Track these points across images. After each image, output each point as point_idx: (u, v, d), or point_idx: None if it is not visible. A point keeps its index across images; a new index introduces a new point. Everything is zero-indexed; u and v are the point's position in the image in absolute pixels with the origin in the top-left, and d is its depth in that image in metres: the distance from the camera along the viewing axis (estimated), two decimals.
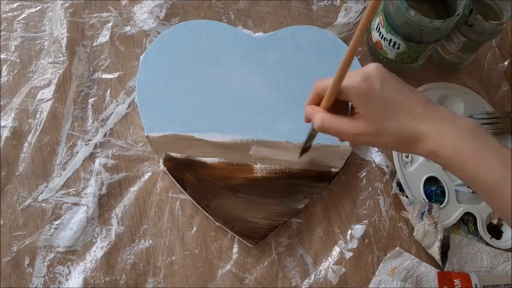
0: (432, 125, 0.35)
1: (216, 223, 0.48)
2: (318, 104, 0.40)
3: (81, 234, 0.46)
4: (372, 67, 0.37)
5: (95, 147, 0.50)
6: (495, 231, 0.51)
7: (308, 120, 0.42)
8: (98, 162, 0.49)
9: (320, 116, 0.39)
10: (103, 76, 0.54)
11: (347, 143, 0.51)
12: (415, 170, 0.51)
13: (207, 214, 0.48)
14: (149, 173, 0.50)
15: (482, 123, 0.53)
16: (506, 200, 0.33)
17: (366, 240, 0.49)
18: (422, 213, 0.48)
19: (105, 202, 0.48)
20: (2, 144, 0.49)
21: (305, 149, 0.47)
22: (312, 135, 0.45)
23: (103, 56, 0.55)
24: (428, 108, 0.36)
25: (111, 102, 0.52)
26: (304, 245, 0.48)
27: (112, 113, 0.52)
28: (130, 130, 0.51)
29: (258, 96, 0.53)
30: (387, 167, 0.52)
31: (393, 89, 0.36)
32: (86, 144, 0.50)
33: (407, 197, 0.50)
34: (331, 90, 0.37)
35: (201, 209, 0.48)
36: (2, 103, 0.51)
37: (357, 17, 0.59)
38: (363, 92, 0.36)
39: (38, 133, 0.50)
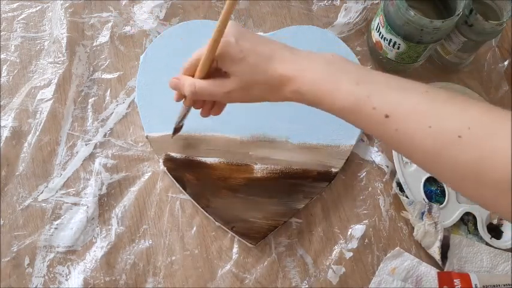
0: (292, 66, 0.36)
1: (216, 223, 0.48)
2: (191, 75, 0.40)
3: (81, 234, 0.46)
4: (228, 26, 0.37)
5: (95, 147, 0.50)
6: (495, 231, 0.51)
7: (179, 97, 0.43)
8: (98, 162, 0.49)
9: (190, 81, 0.39)
10: (103, 76, 0.54)
11: (347, 143, 0.51)
12: (415, 170, 0.51)
13: (207, 214, 0.48)
14: (149, 173, 0.50)
15: None
16: (367, 119, 0.33)
17: (366, 240, 0.49)
18: (422, 213, 0.48)
19: (105, 202, 0.48)
20: (2, 144, 0.49)
21: (177, 128, 0.47)
22: (184, 113, 0.45)
23: (103, 56, 0.55)
24: (287, 50, 0.37)
25: (111, 102, 0.52)
26: (304, 245, 0.48)
27: (112, 113, 0.52)
28: (130, 130, 0.51)
29: None
30: (387, 167, 0.52)
31: (249, 40, 0.37)
32: (86, 144, 0.50)
33: (407, 197, 0.50)
34: (205, 59, 0.38)
35: (201, 209, 0.48)
36: (2, 103, 0.51)
37: (357, 17, 0.59)
38: (221, 50, 0.37)
39: (38, 133, 0.50)
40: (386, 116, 0.32)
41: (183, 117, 0.45)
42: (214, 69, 0.39)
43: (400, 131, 0.32)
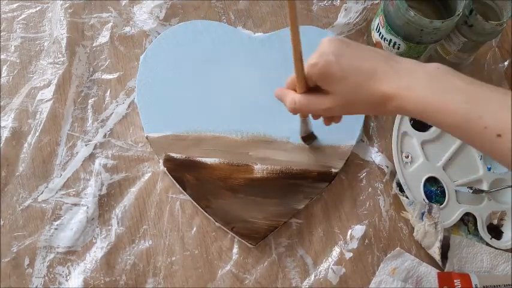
0: (395, 84, 0.35)
1: (216, 223, 0.48)
2: (294, 89, 0.41)
3: (81, 235, 0.46)
4: (325, 42, 0.37)
5: (95, 147, 0.50)
6: (495, 232, 0.51)
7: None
8: (98, 162, 0.49)
9: (291, 98, 0.40)
10: (103, 76, 0.54)
11: (347, 143, 0.51)
12: (415, 170, 0.51)
13: (207, 214, 0.48)
14: (149, 174, 0.50)
15: None
16: (477, 138, 0.32)
17: (366, 241, 0.49)
18: (423, 214, 0.48)
19: (105, 202, 0.48)
20: (2, 144, 0.49)
21: (306, 137, 0.49)
22: (303, 122, 0.46)
23: (103, 56, 0.54)
24: (388, 64, 0.36)
25: (111, 103, 0.52)
26: (304, 246, 0.48)
27: (112, 113, 0.52)
28: (130, 130, 0.51)
29: (258, 97, 0.53)
30: (387, 167, 0.52)
31: (349, 57, 0.36)
32: (86, 145, 0.50)
33: (407, 197, 0.50)
34: (297, 78, 0.38)
35: (201, 209, 0.48)
36: (2, 103, 0.51)
37: (357, 17, 0.59)
38: (321, 70, 0.36)
39: (37, 133, 0.50)
40: (499, 136, 0.31)
41: (305, 126, 0.47)
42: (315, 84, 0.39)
43: None
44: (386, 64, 0.36)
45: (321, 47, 0.37)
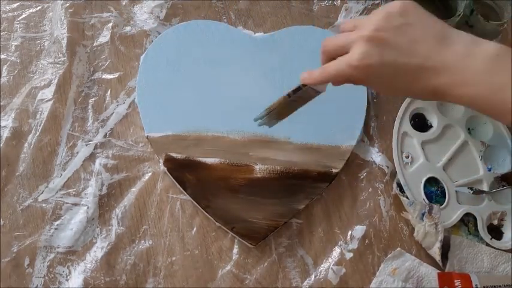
0: (445, 78, 0.32)
1: (216, 223, 0.48)
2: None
3: (81, 235, 0.46)
4: (374, 19, 0.35)
5: (95, 147, 0.50)
6: (495, 232, 0.51)
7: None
8: (98, 162, 0.49)
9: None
10: (103, 76, 0.54)
11: (348, 143, 0.51)
12: (416, 171, 0.51)
13: (207, 214, 0.48)
14: (149, 174, 0.50)
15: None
16: None
17: (366, 241, 0.49)
18: (423, 214, 0.48)
19: (105, 202, 0.48)
20: (2, 144, 0.49)
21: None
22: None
23: (103, 56, 0.54)
24: (439, 53, 0.33)
25: (112, 103, 0.52)
26: (305, 246, 0.48)
27: (112, 113, 0.52)
28: (131, 130, 0.51)
29: (258, 97, 0.53)
30: (387, 167, 0.52)
31: (394, 54, 0.34)
32: (86, 145, 0.50)
33: (407, 197, 0.50)
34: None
35: (201, 209, 0.48)
36: (2, 103, 0.51)
37: (358, 17, 0.59)
38: (360, 75, 0.35)
39: (38, 133, 0.50)
40: None
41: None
42: None
43: None
44: (436, 53, 0.32)
45: (367, 27, 0.34)
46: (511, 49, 0.31)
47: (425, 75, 0.33)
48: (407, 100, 0.54)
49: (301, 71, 0.55)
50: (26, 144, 0.49)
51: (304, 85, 0.41)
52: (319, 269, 0.47)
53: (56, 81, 0.52)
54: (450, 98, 0.33)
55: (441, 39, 0.33)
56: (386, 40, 0.34)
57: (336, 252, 0.48)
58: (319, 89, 0.41)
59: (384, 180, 0.52)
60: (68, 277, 0.45)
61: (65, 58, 0.53)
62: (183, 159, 0.49)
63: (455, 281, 0.44)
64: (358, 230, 0.49)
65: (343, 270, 0.47)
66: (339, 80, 0.38)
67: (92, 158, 0.50)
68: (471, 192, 0.51)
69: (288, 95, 0.42)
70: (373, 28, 0.34)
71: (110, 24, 0.56)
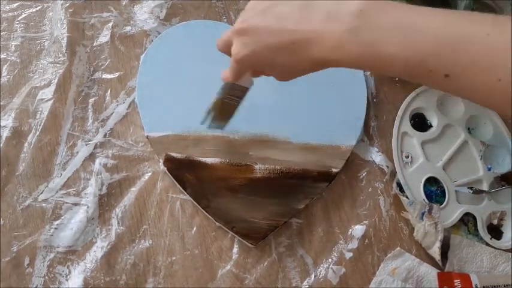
0: (321, 48, 0.32)
1: (216, 223, 0.48)
2: None
3: (81, 234, 0.46)
4: (237, 26, 0.36)
5: (95, 147, 0.50)
6: (495, 232, 0.51)
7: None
8: (98, 162, 0.49)
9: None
10: (103, 76, 0.54)
11: (347, 143, 0.51)
12: (415, 171, 0.51)
13: (207, 214, 0.48)
14: (149, 173, 0.50)
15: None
16: (423, 80, 0.31)
17: (366, 241, 0.49)
18: (423, 214, 0.48)
19: (105, 202, 0.48)
20: (2, 144, 0.49)
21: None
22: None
23: (103, 56, 0.55)
24: (306, 23, 0.33)
25: (112, 102, 0.52)
26: (304, 245, 0.48)
27: (112, 113, 0.52)
28: (131, 130, 0.51)
29: (258, 96, 0.53)
30: (387, 167, 0.52)
31: (265, 42, 0.35)
32: (86, 144, 0.50)
33: (407, 197, 0.50)
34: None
35: (201, 209, 0.48)
36: (2, 103, 0.51)
37: None
38: (246, 65, 0.38)
39: (38, 133, 0.50)
40: (446, 76, 0.29)
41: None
42: None
43: (465, 87, 0.29)
44: (302, 24, 0.33)
45: (235, 34, 0.36)
46: (378, 2, 0.31)
47: (300, 48, 0.33)
48: (408, 100, 0.54)
49: None
50: (26, 144, 0.49)
51: (226, 84, 0.43)
52: (319, 269, 0.47)
53: (56, 81, 0.52)
54: (331, 64, 0.33)
55: (304, 9, 0.33)
56: (254, 27, 0.35)
57: (336, 252, 0.48)
58: (244, 84, 0.43)
59: (384, 180, 0.52)
60: (68, 277, 0.45)
61: (65, 58, 0.53)
62: (183, 159, 0.49)
63: (455, 280, 0.44)
64: (358, 230, 0.49)
65: (343, 269, 0.47)
66: (239, 73, 0.40)
67: (91, 157, 0.50)
68: (471, 192, 0.51)
69: (220, 95, 0.44)
70: (240, 20, 0.36)
71: (110, 24, 0.56)
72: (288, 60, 0.35)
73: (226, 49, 0.39)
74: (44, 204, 0.47)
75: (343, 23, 0.31)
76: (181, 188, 0.48)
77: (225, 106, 0.46)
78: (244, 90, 0.44)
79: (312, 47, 0.33)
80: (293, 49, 0.34)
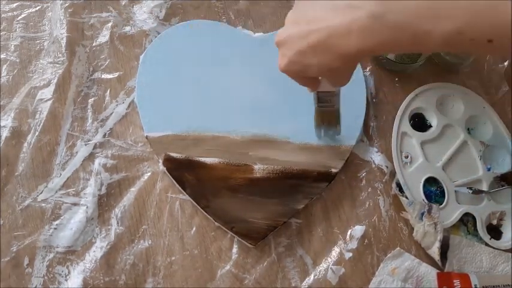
0: (352, 42, 0.33)
1: (216, 223, 0.48)
2: None
3: (81, 235, 0.46)
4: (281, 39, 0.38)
5: (95, 147, 0.50)
6: (495, 232, 0.51)
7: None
8: (98, 162, 0.49)
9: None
10: (103, 76, 0.54)
11: (347, 143, 0.51)
12: (415, 171, 0.51)
13: (206, 214, 0.48)
14: (149, 173, 0.50)
15: None
16: (468, 49, 0.32)
17: (366, 241, 0.49)
18: (422, 214, 0.48)
19: (104, 202, 0.48)
20: (1, 144, 0.49)
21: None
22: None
23: (103, 56, 0.54)
24: (334, 21, 0.34)
25: (111, 102, 0.52)
26: (304, 246, 0.48)
27: (112, 113, 0.52)
28: (130, 130, 0.51)
29: (258, 97, 0.53)
30: (387, 167, 0.52)
31: (300, 48, 0.36)
32: (86, 144, 0.50)
33: (406, 197, 0.50)
34: None
35: (200, 209, 0.48)
36: (1, 103, 0.51)
37: None
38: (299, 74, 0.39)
39: (37, 133, 0.50)
40: (490, 41, 0.29)
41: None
42: None
43: (508, 46, 0.29)
44: (328, 21, 0.34)
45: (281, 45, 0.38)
46: None
47: (329, 45, 0.34)
48: (407, 100, 0.54)
49: None
50: (25, 144, 0.49)
51: (314, 94, 0.45)
52: (319, 269, 0.47)
53: (55, 81, 0.52)
54: (366, 53, 0.34)
55: (329, 8, 0.34)
56: (287, 37, 0.37)
57: (335, 252, 0.48)
58: (327, 89, 0.44)
59: (384, 180, 0.52)
60: (67, 277, 0.45)
61: (65, 58, 0.53)
62: (183, 159, 0.49)
63: (455, 280, 0.44)
64: (358, 230, 0.49)
65: (343, 270, 0.47)
66: (302, 82, 0.41)
67: (91, 157, 0.50)
68: (470, 192, 0.51)
69: (315, 108, 0.47)
70: (278, 33, 0.38)
71: (110, 24, 0.56)
72: (322, 60, 0.35)
73: None
74: (43, 204, 0.47)
75: (366, 10, 0.31)
76: (180, 188, 0.48)
77: (326, 113, 0.48)
78: (330, 95, 0.45)
79: (341, 41, 0.33)
80: (323, 48, 0.34)
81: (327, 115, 0.48)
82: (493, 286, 0.45)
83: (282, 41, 0.37)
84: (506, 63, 0.60)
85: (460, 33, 0.29)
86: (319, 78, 0.42)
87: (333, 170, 0.50)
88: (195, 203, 0.48)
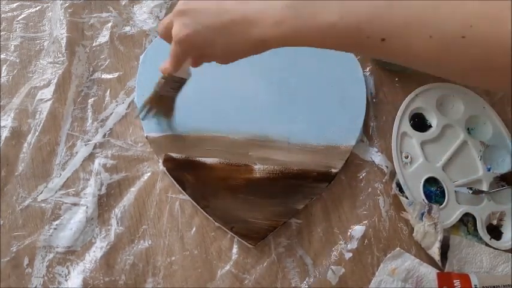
0: (260, 29, 0.33)
1: (216, 223, 0.48)
2: None
3: (81, 235, 0.46)
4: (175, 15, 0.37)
5: (95, 147, 0.50)
6: (495, 232, 0.51)
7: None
8: (98, 162, 0.49)
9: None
10: (103, 76, 0.54)
11: (347, 143, 0.51)
12: (415, 171, 0.51)
13: (206, 214, 0.48)
14: (149, 174, 0.50)
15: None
16: (362, 47, 0.32)
17: (366, 241, 0.49)
18: (422, 214, 0.48)
19: (104, 202, 0.48)
20: (1, 144, 0.49)
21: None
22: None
23: (103, 56, 0.54)
24: (242, 6, 0.34)
25: (111, 103, 0.52)
26: (304, 246, 0.48)
27: (112, 113, 0.52)
28: (130, 130, 0.51)
29: (258, 97, 0.53)
30: (387, 167, 0.52)
31: (204, 21, 0.35)
32: (86, 145, 0.50)
33: (407, 197, 0.50)
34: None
35: (200, 209, 0.48)
36: (1, 103, 0.51)
37: None
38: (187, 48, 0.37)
39: (37, 133, 0.50)
40: (383, 40, 0.30)
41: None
42: None
43: (399, 49, 0.31)
44: (241, 4, 0.34)
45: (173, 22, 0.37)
46: None
47: (241, 28, 0.34)
48: (407, 100, 0.54)
49: (301, 71, 0.55)
50: (25, 144, 0.49)
51: (165, 77, 0.43)
52: (319, 269, 0.47)
53: (55, 81, 0.52)
54: (271, 44, 0.34)
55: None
56: (194, 8, 0.35)
57: (335, 252, 0.48)
58: (182, 75, 0.44)
59: (383, 180, 0.52)
60: (67, 277, 0.45)
61: (64, 58, 0.53)
62: (183, 159, 0.49)
63: (455, 281, 0.44)
64: (358, 230, 0.49)
65: (343, 270, 0.47)
66: (179, 59, 0.40)
67: (91, 157, 0.50)
68: (470, 192, 0.51)
69: (156, 91, 0.45)
70: (180, 2, 0.37)
71: (109, 24, 0.56)
72: (228, 41, 0.35)
73: (166, 33, 0.39)
74: (43, 205, 0.47)
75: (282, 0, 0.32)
76: (180, 188, 0.48)
77: (165, 99, 0.47)
78: (182, 82, 0.44)
79: (252, 27, 0.33)
80: (233, 29, 0.34)
81: (165, 100, 0.47)
82: (493, 286, 0.45)
83: (185, 10, 0.36)
84: None
85: (359, 29, 0.31)
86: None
87: (333, 170, 0.50)
88: (195, 203, 0.48)
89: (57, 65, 0.53)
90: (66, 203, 0.47)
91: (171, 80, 0.44)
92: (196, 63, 0.41)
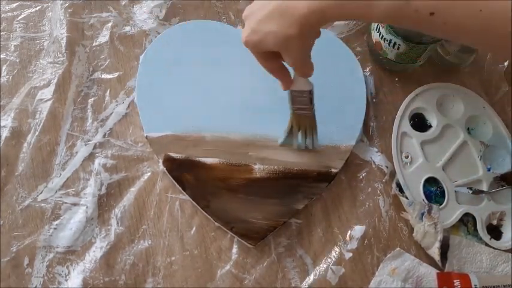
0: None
1: (216, 223, 0.48)
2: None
3: (81, 235, 0.46)
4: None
5: (95, 147, 0.50)
6: (495, 232, 0.51)
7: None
8: (98, 162, 0.49)
9: None
10: (103, 76, 0.54)
11: (347, 143, 0.51)
12: (415, 171, 0.51)
13: (206, 214, 0.48)
14: (148, 173, 0.50)
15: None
16: (411, 22, 0.33)
17: (366, 241, 0.49)
18: (422, 214, 0.48)
19: (104, 202, 0.48)
20: (1, 144, 0.49)
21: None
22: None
23: (103, 56, 0.54)
24: None
25: (111, 102, 0.52)
26: (304, 246, 0.48)
27: (112, 113, 0.52)
28: (130, 130, 0.51)
29: (258, 97, 0.53)
30: (387, 167, 0.52)
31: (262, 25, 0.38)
32: (86, 145, 0.50)
33: (407, 197, 0.50)
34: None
35: (200, 209, 0.48)
36: (1, 103, 0.51)
37: None
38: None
39: (37, 133, 0.50)
40: (432, 14, 0.31)
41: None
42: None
43: (448, 23, 0.31)
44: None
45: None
46: None
47: (285, 11, 0.36)
48: (407, 100, 0.54)
49: None
50: (25, 144, 0.49)
51: (289, 94, 0.44)
52: (319, 269, 0.47)
53: (55, 81, 0.52)
54: (318, 20, 0.36)
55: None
56: (251, 11, 0.39)
57: (335, 252, 0.48)
58: (301, 88, 0.44)
59: (383, 180, 0.52)
60: (67, 277, 0.45)
61: (64, 58, 0.53)
62: (183, 159, 0.49)
63: (455, 281, 0.44)
64: (358, 230, 0.49)
65: (342, 270, 0.47)
66: (264, 65, 0.42)
67: (91, 157, 0.50)
68: (470, 192, 0.51)
69: (292, 110, 0.46)
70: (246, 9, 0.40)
71: (109, 24, 0.56)
72: (278, 26, 0.36)
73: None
74: (43, 205, 0.47)
75: None
76: (180, 188, 0.48)
77: (303, 117, 0.47)
78: (307, 95, 0.44)
79: (293, 3, 0.35)
80: (279, 12, 0.36)
81: (303, 120, 0.48)
82: (493, 286, 0.45)
83: (247, 15, 0.39)
84: (506, 63, 0.60)
85: (407, 3, 0.31)
86: (289, 71, 0.42)
87: (333, 170, 0.50)
88: (195, 203, 0.48)
89: (57, 65, 0.53)
90: (66, 203, 0.47)
91: (295, 96, 0.44)
92: (275, 63, 0.42)
